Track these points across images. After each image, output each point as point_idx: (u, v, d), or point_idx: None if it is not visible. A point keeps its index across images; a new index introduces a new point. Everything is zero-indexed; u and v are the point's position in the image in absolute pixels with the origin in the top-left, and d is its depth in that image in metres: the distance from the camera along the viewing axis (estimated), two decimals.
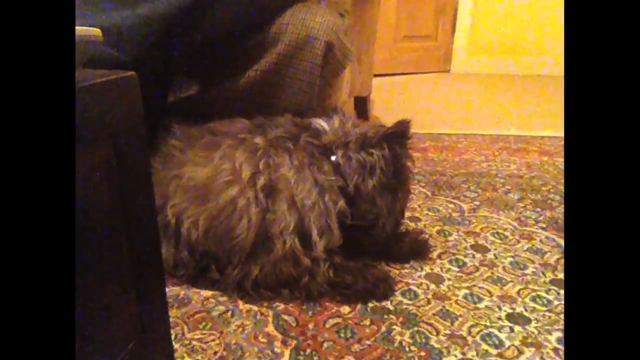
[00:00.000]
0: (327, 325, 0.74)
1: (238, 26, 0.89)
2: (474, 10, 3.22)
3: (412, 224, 1.07)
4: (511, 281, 0.86)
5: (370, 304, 0.79)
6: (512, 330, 0.73)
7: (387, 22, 3.00)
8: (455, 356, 0.68)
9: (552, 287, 0.84)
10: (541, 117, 2.13)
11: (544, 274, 0.88)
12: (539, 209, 1.16)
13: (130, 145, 0.43)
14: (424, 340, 0.71)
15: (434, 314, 0.77)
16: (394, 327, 0.73)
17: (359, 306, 0.78)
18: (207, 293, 0.81)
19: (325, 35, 0.96)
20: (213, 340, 0.70)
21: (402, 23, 3.10)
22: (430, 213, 1.13)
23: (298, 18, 0.97)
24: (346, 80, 1.24)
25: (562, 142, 1.73)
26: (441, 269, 0.90)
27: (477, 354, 0.68)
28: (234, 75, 0.98)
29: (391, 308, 0.78)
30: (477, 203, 1.19)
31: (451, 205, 1.17)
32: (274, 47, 0.96)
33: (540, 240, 1.01)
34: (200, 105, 1.06)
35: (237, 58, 0.99)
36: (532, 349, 0.69)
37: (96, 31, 0.42)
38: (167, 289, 0.66)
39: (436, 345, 0.70)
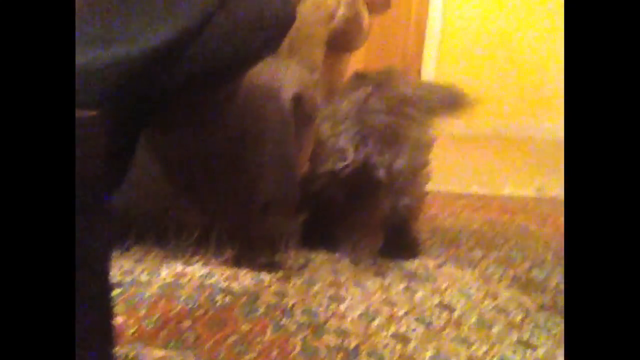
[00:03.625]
0: None
1: (213, 74, 0.89)
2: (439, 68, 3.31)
3: (379, 281, 1.05)
4: (478, 340, 0.84)
5: None
6: None
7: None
8: None
9: (519, 347, 0.83)
10: (501, 175, 2.20)
11: (509, 333, 0.87)
12: (503, 267, 1.16)
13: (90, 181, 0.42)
14: None
15: None
16: None
17: None
18: (159, 353, 0.75)
19: (295, 87, 0.98)
20: None
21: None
22: (396, 269, 1.11)
23: (270, 70, 0.98)
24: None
25: (521, 202, 1.78)
26: (407, 328, 0.87)
27: None
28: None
29: None
30: (442, 259, 1.19)
31: (417, 261, 1.16)
32: (244, 97, 0.96)
33: (505, 299, 1.00)
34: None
35: (209, 108, 0.99)
36: None
37: None
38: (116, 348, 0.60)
39: None
